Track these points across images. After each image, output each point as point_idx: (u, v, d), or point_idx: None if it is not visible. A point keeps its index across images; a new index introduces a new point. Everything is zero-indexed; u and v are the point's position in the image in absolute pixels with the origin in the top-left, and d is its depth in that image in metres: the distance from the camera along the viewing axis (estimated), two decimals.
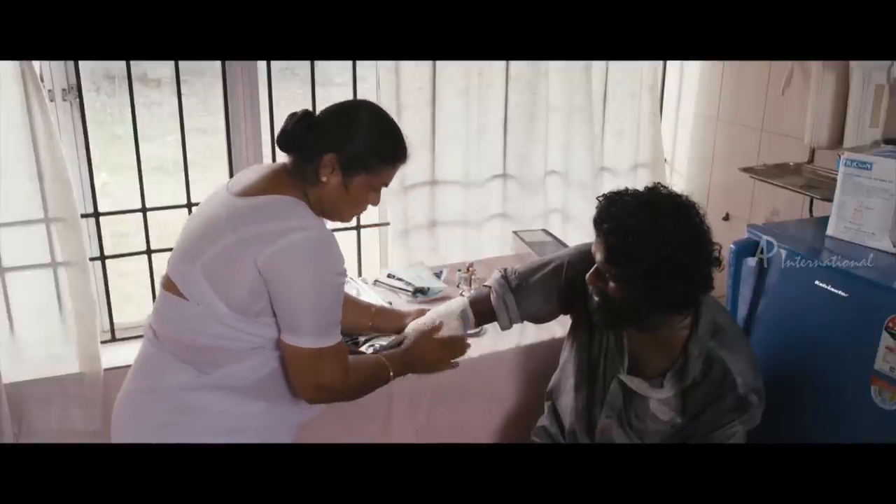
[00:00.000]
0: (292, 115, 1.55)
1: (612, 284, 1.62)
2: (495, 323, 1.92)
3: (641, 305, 1.61)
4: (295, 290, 1.46)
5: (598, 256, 1.63)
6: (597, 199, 1.66)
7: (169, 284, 1.54)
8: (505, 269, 1.93)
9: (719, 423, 1.67)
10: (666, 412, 1.73)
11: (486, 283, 1.96)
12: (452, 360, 1.81)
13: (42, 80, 2.22)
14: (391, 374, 1.68)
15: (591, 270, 1.66)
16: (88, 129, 2.38)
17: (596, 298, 1.68)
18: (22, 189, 2.22)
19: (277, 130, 1.58)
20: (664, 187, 1.64)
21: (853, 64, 2.24)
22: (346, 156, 1.52)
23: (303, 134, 1.53)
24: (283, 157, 1.60)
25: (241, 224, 1.46)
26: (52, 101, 2.32)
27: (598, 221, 1.63)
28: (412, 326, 1.87)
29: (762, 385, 1.69)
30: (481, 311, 1.89)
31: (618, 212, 1.59)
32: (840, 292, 1.79)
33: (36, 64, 2.17)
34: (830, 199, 2.00)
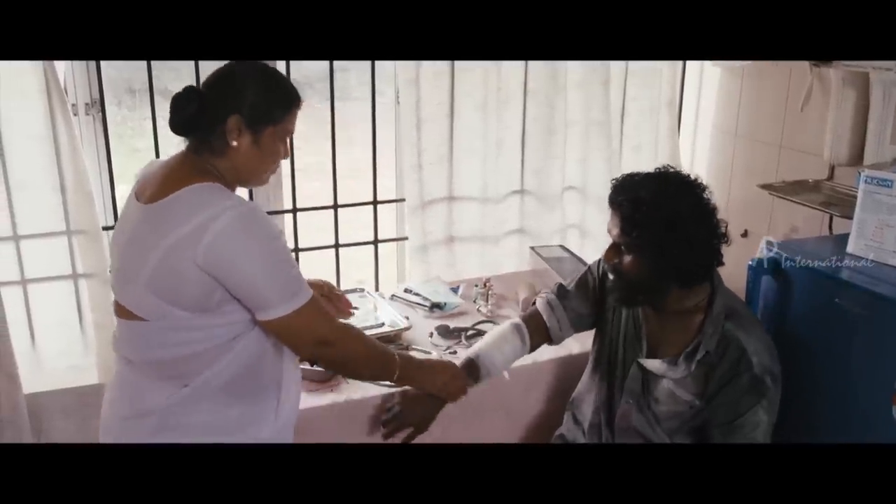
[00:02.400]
0: (179, 98, 1.50)
1: (626, 258, 1.73)
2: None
3: (654, 275, 1.71)
4: (243, 271, 1.43)
5: (614, 231, 1.74)
6: (611, 181, 1.78)
7: (123, 311, 1.51)
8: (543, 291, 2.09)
9: (738, 408, 1.70)
10: (684, 394, 1.78)
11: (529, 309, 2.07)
12: (452, 396, 1.85)
13: (66, 93, 2.25)
14: (396, 372, 1.69)
15: (608, 248, 1.78)
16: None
17: (612, 277, 1.79)
18: (45, 201, 2.25)
19: (169, 118, 1.52)
20: (673, 168, 1.76)
21: (873, 79, 2.22)
22: (249, 112, 1.49)
23: (197, 111, 1.48)
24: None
25: (164, 232, 1.41)
26: (75, 115, 2.35)
27: (613, 196, 1.75)
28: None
29: (779, 370, 1.72)
30: (534, 328, 1.98)
31: (630, 187, 1.73)
32: (860, 310, 1.77)
33: (61, 77, 2.20)
34: (850, 217, 1.98)
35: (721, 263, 1.76)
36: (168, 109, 1.51)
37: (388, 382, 2.04)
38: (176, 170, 1.50)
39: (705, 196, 1.72)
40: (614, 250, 1.76)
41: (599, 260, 1.97)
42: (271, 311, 1.47)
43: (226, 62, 1.56)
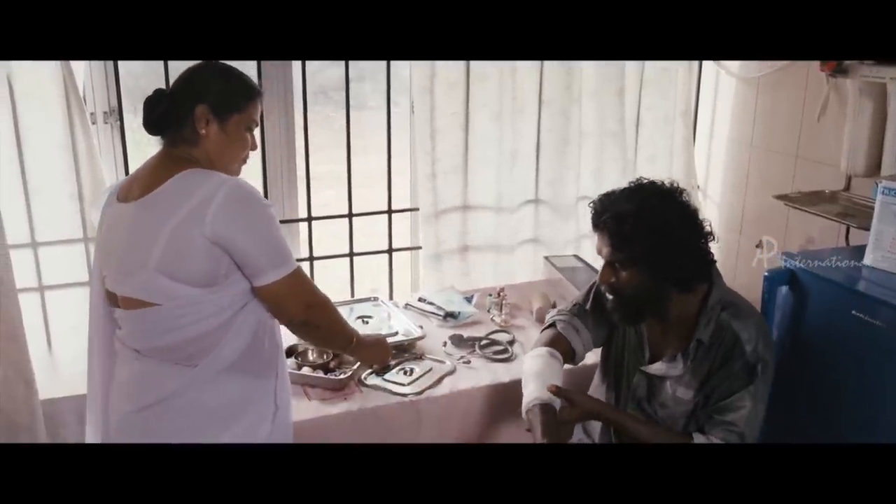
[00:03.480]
0: (150, 100, 1.63)
1: (623, 274, 1.75)
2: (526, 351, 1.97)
3: (653, 285, 1.73)
4: (246, 237, 1.55)
5: (605, 251, 1.76)
6: (588, 205, 1.81)
7: (130, 302, 1.59)
8: (558, 311, 2.06)
9: (726, 391, 1.71)
10: (685, 392, 1.78)
11: (545, 330, 2.03)
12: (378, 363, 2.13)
13: (85, 102, 2.27)
14: (353, 345, 1.86)
15: (602, 269, 1.79)
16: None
17: (610, 298, 1.79)
18: (63, 209, 2.27)
19: (140, 118, 1.64)
20: (646, 179, 1.80)
21: (891, 90, 2.21)
22: (214, 102, 1.61)
23: (167, 109, 1.61)
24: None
25: (168, 214, 1.52)
26: (93, 123, 2.37)
27: (597, 218, 1.78)
28: None
29: (772, 359, 1.73)
30: (562, 352, 1.95)
31: (611, 204, 1.76)
32: (876, 322, 1.76)
33: (80, 86, 2.22)
34: (867, 228, 1.97)
35: (713, 261, 1.79)
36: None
37: (401, 392, 2.07)
38: (159, 165, 1.62)
39: (685, 199, 1.76)
40: (609, 270, 1.77)
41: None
42: (265, 275, 1.60)
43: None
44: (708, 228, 1.77)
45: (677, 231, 1.71)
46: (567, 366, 1.98)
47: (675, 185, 1.78)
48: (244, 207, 1.55)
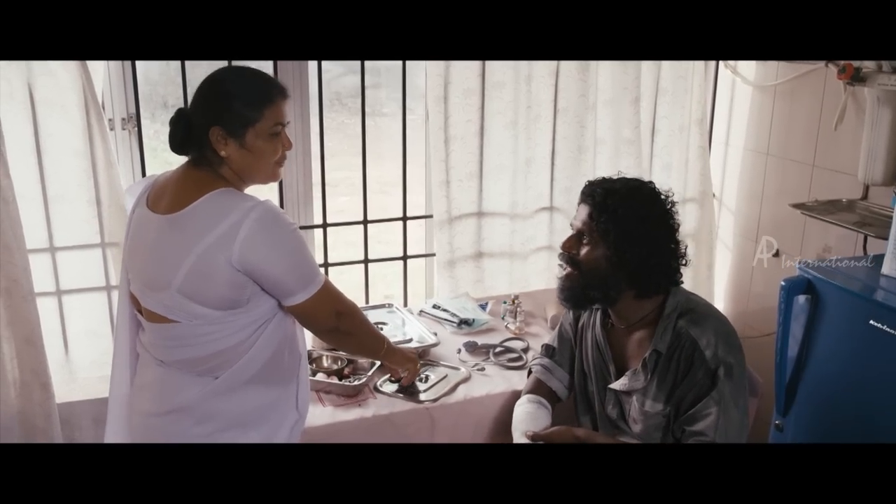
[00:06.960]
0: (171, 121, 1.60)
1: (585, 249, 1.79)
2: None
3: (610, 269, 1.75)
4: (274, 264, 1.55)
5: (579, 220, 1.81)
6: (586, 182, 1.87)
7: (153, 316, 1.61)
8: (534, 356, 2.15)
9: (692, 400, 1.71)
10: (653, 405, 1.77)
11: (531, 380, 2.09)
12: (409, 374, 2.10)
13: (103, 108, 2.29)
14: (384, 349, 1.91)
15: (567, 238, 1.85)
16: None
17: (565, 269, 1.84)
18: (81, 214, 2.29)
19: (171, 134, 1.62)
20: (649, 180, 1.85)
21: None
22: (226, 121, 1.56)
23: (186, 129, 1.58)
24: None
25: (194, 238, 1.51)
26: (111, 129, 2.39)
27: (587, 189, 1.82)
28: None
29: (736, 361, 1.71)
30: (545, 395, 2.00)
31: (603, 182, 1.81)
32: (894, 332, 1.75)
33: (98, 93, 2.24)
34: (885, 237, 1.96)
35: (678, 282, 1.83)
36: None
37: (416, 398, 2.07)
38: (187, 181, 1.60)
39: (674, 210, 1.80)
40: (574, 239, 1.82)
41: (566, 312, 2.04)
42: (296, 296, 1.60)
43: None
44: (683, 250, 1.81)
45: (654, 228, 1.75)
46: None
47: (671, 196, 1.81)
48: (271, 234, 1.53)
